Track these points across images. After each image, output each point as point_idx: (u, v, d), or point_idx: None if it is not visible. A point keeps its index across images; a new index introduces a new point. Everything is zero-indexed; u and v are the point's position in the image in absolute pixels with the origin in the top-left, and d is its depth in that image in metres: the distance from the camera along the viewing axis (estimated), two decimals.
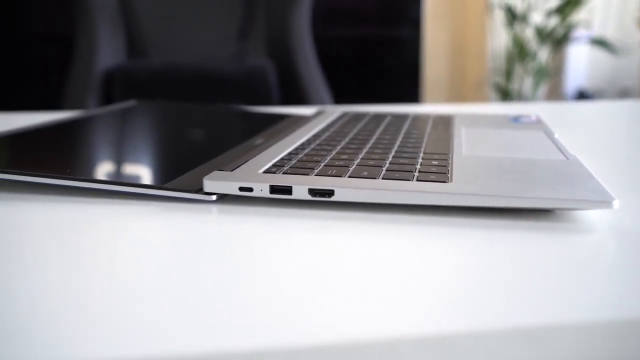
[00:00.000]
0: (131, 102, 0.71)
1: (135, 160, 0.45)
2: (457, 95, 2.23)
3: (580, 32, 2.18)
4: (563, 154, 0.45)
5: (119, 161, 0.45)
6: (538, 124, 0.59)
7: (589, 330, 0.23)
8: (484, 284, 0.27)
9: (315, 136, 0.52)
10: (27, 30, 1.50)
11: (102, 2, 1.47)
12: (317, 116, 0.64)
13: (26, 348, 0.21)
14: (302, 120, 0.62)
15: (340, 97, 1.63)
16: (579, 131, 0.63)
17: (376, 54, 1.66)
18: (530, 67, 2.08)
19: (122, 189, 0.38)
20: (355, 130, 0.55)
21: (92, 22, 1.47)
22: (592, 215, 0.36)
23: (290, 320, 0.23)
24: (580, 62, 2.29)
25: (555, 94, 2.28)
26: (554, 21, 2.09)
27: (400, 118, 0.62)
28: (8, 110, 1.51)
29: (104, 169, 0.42)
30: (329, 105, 1.60)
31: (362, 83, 1.67)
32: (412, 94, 1.69)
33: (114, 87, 1.50)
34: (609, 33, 2.26)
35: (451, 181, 0.37)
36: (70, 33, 1.49)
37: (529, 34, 2.11)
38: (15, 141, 0.49)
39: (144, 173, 0.42)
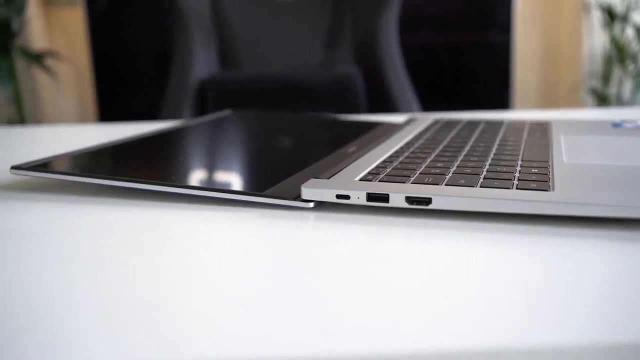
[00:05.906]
0: (227, 112, 0.74)
1: (233, 168, 0.47)
2: (549, 100, 2.15)
3: None
4: None
5: (217, 169, 0.46)
6: None
7: None
8: (590, 297, 0.26)
9: (409, 144, 0.51)
10: (129, 47, 1.59)
11: (197, 19, 1.53)
12: (409, 124, 0.63)
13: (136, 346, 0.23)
14: (394, 128, 0.62)
15: (428, 104, 1.61)
16: None
17: (465, 59, 1.63)
18: (630, 69, 1.97)
19: (222, 196, 0.40)
20: (449, 138, 0.54)
21: (188, 37, 1.53)
22: None
23: (387, 328, 0.24)
24: None
25: None
26: None
27: (495, 125, 0.61)
28: (113, 120, 1.61)
29: (204, 177, 0.44)
30: (418, 112, 1.59)
31: (450, 89, 1.64)
32: (502, 100, 1.65)
33: (207, 97, 1.56)
34: None
35: (553, 189, 0.36)
36: (168, 47, 1.56)
37: (629, 34, 2.00)
38: (121, 150, 0.52)
39: (242, 180, 0.44)
